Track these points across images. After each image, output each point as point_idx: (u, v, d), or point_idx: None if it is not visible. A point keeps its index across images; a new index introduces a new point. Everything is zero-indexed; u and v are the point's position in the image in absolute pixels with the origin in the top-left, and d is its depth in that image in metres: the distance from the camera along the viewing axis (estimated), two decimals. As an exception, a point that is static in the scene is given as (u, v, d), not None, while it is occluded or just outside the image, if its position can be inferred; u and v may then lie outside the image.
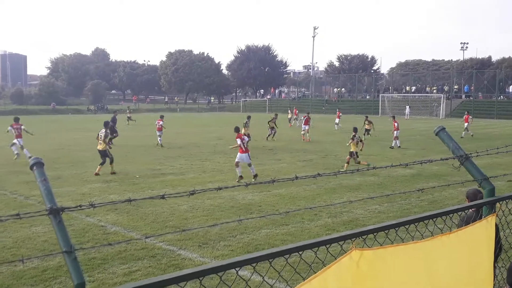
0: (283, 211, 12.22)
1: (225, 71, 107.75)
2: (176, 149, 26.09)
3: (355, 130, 19.44)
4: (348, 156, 19.04)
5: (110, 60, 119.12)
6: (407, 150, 25.66)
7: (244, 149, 16.69)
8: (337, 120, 41.85)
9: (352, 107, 73.15)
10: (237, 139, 16.83)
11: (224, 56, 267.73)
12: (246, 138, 17.83)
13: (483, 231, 2.87)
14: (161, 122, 28.22)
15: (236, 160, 16.83)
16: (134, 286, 1.48)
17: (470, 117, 34.16)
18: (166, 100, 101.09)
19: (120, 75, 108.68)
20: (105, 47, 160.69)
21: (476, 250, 2.84)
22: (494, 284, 3.08)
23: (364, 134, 29.44)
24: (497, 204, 3.04)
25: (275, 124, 32.14)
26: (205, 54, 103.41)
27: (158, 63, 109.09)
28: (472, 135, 33.04)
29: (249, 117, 29.42)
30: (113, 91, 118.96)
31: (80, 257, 9.02)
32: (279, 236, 9.99)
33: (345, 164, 18.91)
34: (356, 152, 18.98)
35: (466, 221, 4.97)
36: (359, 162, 18.76)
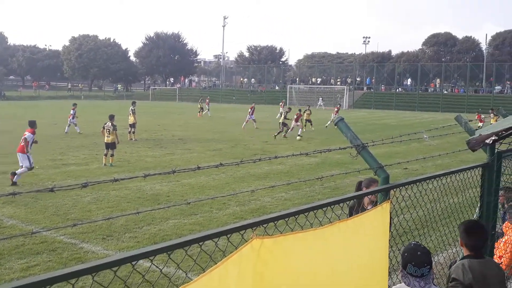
0: (191, 201, 12.16)
1: (133, 58, 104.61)
2: (79, 138, 25.03)
3: (111, 118, 17.90)
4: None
5: (8, 43, 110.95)
6: (313, 139, 26.53)
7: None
8: (207, 106, 46.28)
9: (261, 97, 74.21)
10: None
11: (132, 43, 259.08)
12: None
13: (378, 217, 3.02)
14: (71, 111, 28.00)
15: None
16: (17, 285, 1.37)
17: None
18: (69, 87, 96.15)
19: (19, 60, 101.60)
20: (3, 30, 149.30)
21: (372, 235, 2.98)
22: (389, 268, 3.27)
23: (305, 125, 30.30)
24: (391, 191, 3.20)
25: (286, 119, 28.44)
26: (112, 40, 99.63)
27: (60, 48, 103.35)
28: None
29: (134, 103, 27.25)
30: (11, 77, 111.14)
31: (-28, 253, 8.35)
32: (187, 226, 9.93)
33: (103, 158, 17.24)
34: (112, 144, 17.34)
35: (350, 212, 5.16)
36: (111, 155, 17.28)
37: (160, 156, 19.50)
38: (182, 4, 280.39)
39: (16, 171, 13.99)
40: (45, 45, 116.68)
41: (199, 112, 44.87)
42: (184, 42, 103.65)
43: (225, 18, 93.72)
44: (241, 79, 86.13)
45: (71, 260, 8.02)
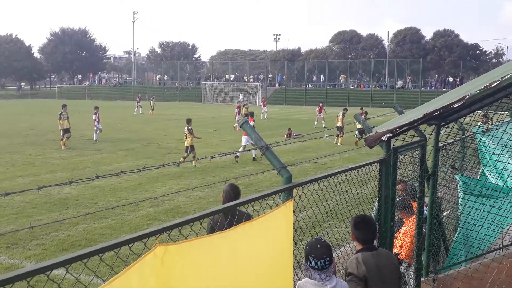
0: (102, 204, 11.79)
1: (37, 55, 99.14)
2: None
3: (188, 121, 17.94)
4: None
5: None
6: (227, 136, 26.62)
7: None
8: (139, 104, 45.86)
9: (175, 94, 73.38)
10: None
11: (35, 39, 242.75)
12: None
13: (282, 216, 3.12)
14: (94, 116, 24.70)
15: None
16: None
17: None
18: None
19: None
20: None
21: (277, 234, 3.08)
22: (293, 263, 3.38)
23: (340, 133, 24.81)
24: (294, 190, 3.32)
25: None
26: (14, 36, 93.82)
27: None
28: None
29: (64, 106, 24.05)
30: None
31: None
32: (98, 230, 9.63)
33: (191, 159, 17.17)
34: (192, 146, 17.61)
35: (211, 228, 4.64)
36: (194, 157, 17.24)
37: (68, 158, 18.70)
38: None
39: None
40: None
41: (151, 110, 44.80)
42: (92, 37, 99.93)
43: (134, 13, 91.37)
44: (157, 76, 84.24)
45: (-30, 273, 7.51)
